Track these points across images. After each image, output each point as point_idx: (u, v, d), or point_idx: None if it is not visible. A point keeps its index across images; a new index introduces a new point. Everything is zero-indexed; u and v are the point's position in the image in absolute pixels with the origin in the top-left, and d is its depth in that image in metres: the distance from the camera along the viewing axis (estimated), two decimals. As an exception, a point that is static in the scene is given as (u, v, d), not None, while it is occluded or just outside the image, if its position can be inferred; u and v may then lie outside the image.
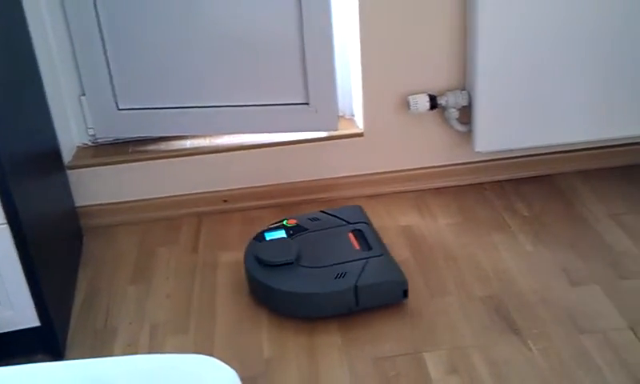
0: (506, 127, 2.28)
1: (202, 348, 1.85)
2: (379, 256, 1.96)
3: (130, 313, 2.00)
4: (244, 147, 2.38)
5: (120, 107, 2.34)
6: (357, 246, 2.01)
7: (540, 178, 2.49)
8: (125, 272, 2.18)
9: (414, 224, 2.29)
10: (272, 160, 2.40)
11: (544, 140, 2.33)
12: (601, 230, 2.18)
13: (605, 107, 2.27)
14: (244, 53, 2.25)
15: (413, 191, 2.47)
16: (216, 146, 2.39)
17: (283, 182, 2.43)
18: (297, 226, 2.10)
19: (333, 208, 2.21)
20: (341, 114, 2.50)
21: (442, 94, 2.32)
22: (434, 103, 2.31)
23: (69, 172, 2.33)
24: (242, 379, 1.13)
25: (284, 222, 2.13)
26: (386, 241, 2.10)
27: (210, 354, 1.74)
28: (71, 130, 2.38)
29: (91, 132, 2.40)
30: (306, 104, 2.31)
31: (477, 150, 2.32)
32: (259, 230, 2.11)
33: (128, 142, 2.45)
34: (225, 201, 2.43)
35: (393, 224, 2.29)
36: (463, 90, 2.33)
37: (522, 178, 2.49)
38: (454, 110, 2.33)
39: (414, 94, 2.33)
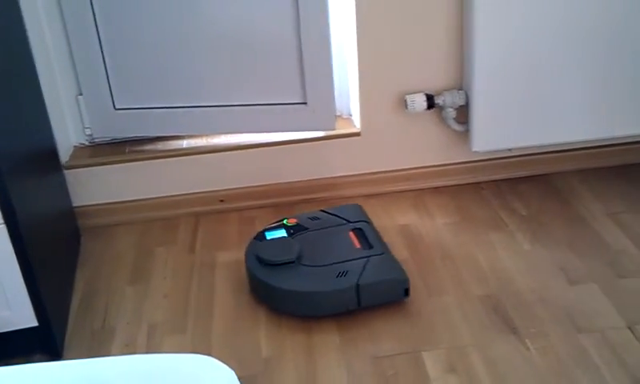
0: (503, 127, 2.28)
1: (200, 348, 1.84)
2: (380, 254, 1.96)
3: (127, 313, 2.00)
4: (241, 147, 2.38)
5: (117, 107, 2.34)
6: (357, 245, 2.01)
7: (537, 177, 2.49)
8: (122, 272, 2.18)
9: (412, 223, 2.29)
10: (269, 160, 2.40)
11: (541, 139, 2.33)
12: (599, 229, 2.18)
13: (602, 106, 2.27)
14: (241, 52, 2.25)
15: (410, 190, 2.47)
16: (213, 146, 2.38)
17: (280, 181, 2.43)
18: (297, 225, 2.10)
19: (333, 207, 2.21)
20: (338, 113, 2.50)
21: (440, 93, 2.32)
22: (431, 103, 2.31)
23: (66, 172, 2.33)
24: (240, 379, 1.13)
25: (284, 222, 2.12)
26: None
27: (208, 354, 1.74)
28: (68, 130, 2.38)
29: (88, 132, 2.40)
30: (304, 104, 2.31)
31: (474, 149, 2.32)
32: (259, 230, 2.11)
33: (125, 141, 2.44)
34: (222, 201, 2.43)
35: (391, 223, 2.29)
36: (460, 89, 2.33)
37: (519, 178, 2.49)
38: (452, 109, 2.33)
39: (411, 93, 2.33)
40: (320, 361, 1.77)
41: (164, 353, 1.64)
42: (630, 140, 2.46)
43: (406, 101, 2.31)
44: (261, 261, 1.96)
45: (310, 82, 2.27)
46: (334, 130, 2.37)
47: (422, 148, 2.43)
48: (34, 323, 1.79)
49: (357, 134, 2.40)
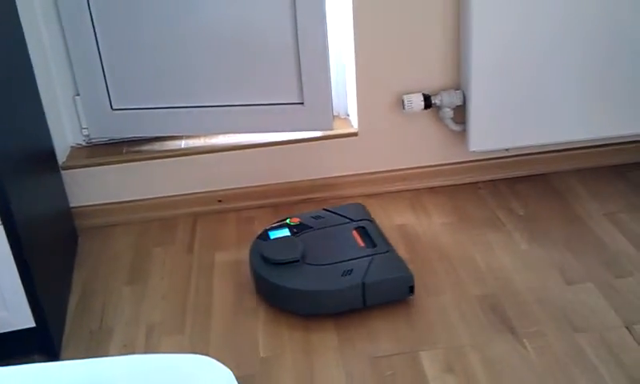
0: (500, 127, 2.28)
1: (198, 348, 1.84)
2: (385, 253, 1.97)
3: (125, 313, 2.00)
4: (239, 147, 2.38)
5: (114, 107, 2.33)
6: (361, 244, 2.01)
7: (535, 176, 2.50)
8: (120, 272, 2.18)
9: (409, 223, 2.29)
10: (267, 160, 2.40)
11: (538, 139, 2.33)
12: (596, 229, 2.18)
13: (599, 106, 2.27)
14: (239, 53, 2.25)
15: (407, 190, 2.48)
16: (211, 146, 2.38)
17: (278, 181, 2.43)
18: (300, 224, 2.11)
19: (335, 206, 2.22)
20: (335, 113, 2.50)
21: (437, 93, 2.32)
22: (428, 103, 2.31)
23: (63, 172, 2.33)
24: (237, 378, 1.13)
25: (287, 221, 2.13)
26: (381, 240, 2.10)
27: (206, 354, 1.74)
28: (65, 131, 2.38)
29: (85, 132, 2.39)
30: (301, 104, 2.31)
31: (471, 149, 2.32)
32: (257, 230, 2.11)
33: (122, 142, 2.44)
34: (220, 201, 2.43)
35: (388, 223, 2.29)
36: (457, 89, 2.33)
37: (516, 177, 2.50)
38: (449, 109, 2.33)
39: (408, 93, 2.33)
40: (318, 361, 1.77)
41: (162, 353, 1.64)
42: (626, 140, 2.47)
43: (403, 101, 2.31)
44: (265, 260, 1.96)
45: (308, 82, 2.27)
46: (331, 130, 2.37)
47: (420, 148, 2.44)
48: (32, 324, 1.79)
49: (354, 134, 2.40)
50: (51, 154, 2.22)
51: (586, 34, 2.18)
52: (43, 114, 2.16)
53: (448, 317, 1.88)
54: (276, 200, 2.44)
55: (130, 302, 2.04)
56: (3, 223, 1.67)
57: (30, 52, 2.10)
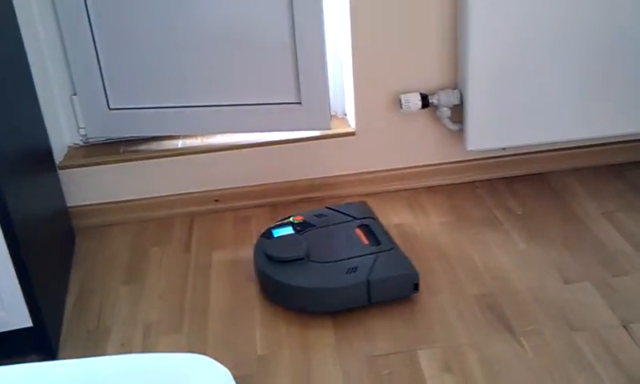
0: (497, 126, 2.28)
1: (195, 347, 1.84)
2: (389, 250, 1.98)
3: (122, 313, 2.00)
4: (236, 147, 2.38)
5: (111, 107, 2.33)
6: (365, 241, 2.02)
7: (532, 176, 2.50)
8: (117, 272, 2.17)
9: (407, 223, 2.29)
10: (264, 159, 2.40)
11: (536, 138, 2.33)
12: (594, 228, 2.19)
13: (597, 105, 2.27)
14: (236, 52, 2.25)
15: (405, 190, 2.48)
16: (208, 146, 2.38)
17: (275, 181, 2.43)
18: (304, 222, 2.11)
19: (338, 204, 2.22)
20: (333, 113, 2.50)
21: (434, 92, 2.32)
22: (425, 102, 2.31)
23: (60, 172, 2.32)
24: (235, 377, 1.13)
25: (291, 219, 2.13)
26: (378, 239, 2.10)
27: (204, 353, 1.74)
28: (62, 130, 2.38)
29: (82, 132, 2.39)
30: (298, 103, 2.31)
31: (469, 148, 2.32)
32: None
33: (119, 141, 2.44)
34: (217, 200, 2.43)
35: (386, 223, 2.28)
36: (455, 88, 2.33)
37: (514, 176, 2.50)
38: (446, 108, 2.33)
39: (405, 92, 2.33)
40: (315, 360, 1.77)
41: (160, 352, 1.64)
42: (624, 139, 2.47)
43: (400, 100, 2.31)
44: (270, 258, 1.96)
45: (305, 81, 2.27)
46: (328, 129, 2.37)
47: (417, 147, 2.44)
48: (29, 324, 1.79)
49: (352, 134, 2.40)
50: (48, 153, 2.21)
51: (583, 34, 2.18)
52: (40, 113, 2.15)
53: (446, 316, 1.88)
54: (273, 199, 2.44)
55: (127, 301, 2.04)
56: (0, 223, 1.66)
57: (27, 51, 2.10)
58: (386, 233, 2.06)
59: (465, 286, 1.98)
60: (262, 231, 2.11)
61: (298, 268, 1.93)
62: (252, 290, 2.03)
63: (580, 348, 1.73)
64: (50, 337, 1.83)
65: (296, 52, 2.23)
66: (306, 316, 1.91)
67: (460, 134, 2.37)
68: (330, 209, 2.19)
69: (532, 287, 1.95)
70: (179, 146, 2.40)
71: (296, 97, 2.31)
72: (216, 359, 1.14)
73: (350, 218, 2.13)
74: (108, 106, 2.33)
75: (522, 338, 1.77)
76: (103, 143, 2.44)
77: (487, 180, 2.49)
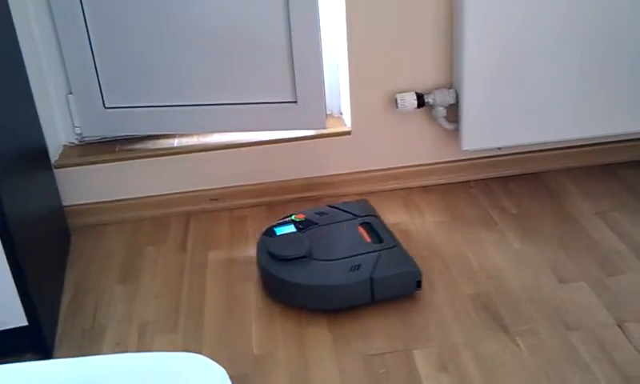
0: (493, 125, 2.29)
1: (191, 346, 1.84)
2: (392, 248, 1.98)
3: (118, 312, 2.00)
4: (232, 146, 2.38)
5: (107, 106, 2.33)
6: (368, 239, 2.02)
7: (527, 175, 2.50)
8: (113, 271, 2.17)
9: (402, 222, 2.30)
10: (260, 158, 2.40)
11: (531, 138, 2.33)
12: (588, 227, 2.19)
13: (592, 105, 2.28)
14: (232, 51, 2.25)
15: (400, 189, 2.48)
16: (204, 145, 2.38)
17: (271, 180, 2.43)
18: (306, 220, 2.12)
19: (340, 202, 2.23)
20: (328, 112, 2.50)
21: (430, 92, 2.33)
22: (421, 101, 2.31)
23: (56, 171, 2.32)
24: (231, 377, 1.13)
25: (292, 217, 2.13)
26: (374, 239, 2.11)
27: (199, 353, 1.74)
28: (58, 129, 2.37)
29: (78, 131, 2.39)
30: (294, 102, 2.31)
31: (464, 148, 2.32)
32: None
33: (115, 140, 2.44)
34: (213, 200, 2.43)
35: (381, 222, 2.29)
36: (450, 88, 2.33)
37: (509, 176, 2.50)
38: (442, 108, 2.33)
39: (401, 92, 2.33)
40: (312, 359, 1.77)
41: (155, 351, 1.64)
42: (618, 138, 2.47)
43: (396, 99, 2.31)
44: (273, 256, 1.96)
45: (301, 80, 2.27)
46: (324, 128, 2.37)
47: (412, 146, 2.44)
48: (24, 323, 1.79)
49: (347, 133, 2.40)
50: (44, 152, 2.21)
51: (578, 34, 2.18)
52: (35, 112, 2.15)
53: (441, 315, 1.88)
54: (269, 199, 2.44)
55: (122, 300, 2.04)
56: (-4, 222, 1.67)
57: (22, 50, 2.09)
58: (388, 230, 2.07)
59: (460, 285, 1.98)
60: (264, 229, 2.11)
61: (301, 266, 1.93)
62: (248, 289, 2.03)
63: (575, 347, 1.73)
64: (45, 336, 1.82)
65: (292, 51, 2.23)
66: (303, 315, 1.91)
67: (455, 133, 2.38)
68: (332, 207, 2.19)
69: (527, 287, 1.96)
70: (175, 145, 2.40)
71: (292, 96, 2.31)
72: (212, 358, 1.14)
73: (352, 216, 2.14)
74: (104, 104, 2.32)
75: (517, 338, 1.78)
76: (99, 142, 2.44)
77: (482, 179, 2.50)
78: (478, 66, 2.20)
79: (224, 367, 1.13)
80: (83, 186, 2.37)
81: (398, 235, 2.21)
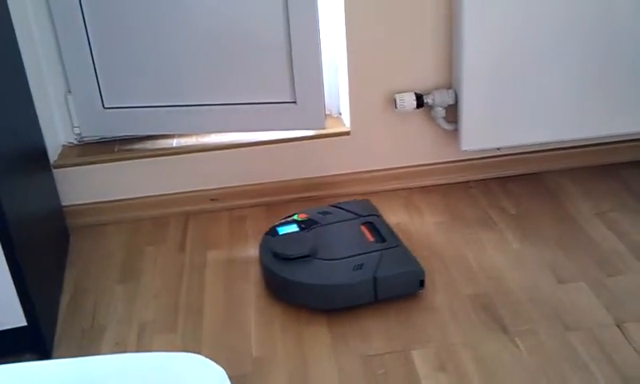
0: (492, 126, 2.29)
1: (190, 347, 1.84)
2: (394, 247, 1.98)
3: (117, 312, 1.99)
4: (231, 146, 2.38)
5: (106, 106, 2.33)
6: (370, 238, 2.02)
7: (527, 175, 2.50)
8: (112, 271, 2.17)
9: (402, 222, 2.30)
10: (259, 158, 2.39)
11: (530, 138, 2.33)
12: (588, 228, 2.19)
13: (591, 105, 2.28)
14: (231, 52, 2.25)
15: (400, 189, 2.48)
16: (203, 145, 2.38)
17: (271, 180, 2.43)
18: (308, 219, 2.12)
19: (342, 202, 2.23)
20: (328, 112, 2.50)
21: (429, 92, 2.33)
22: (420, 102, 2.31)
23: (55, 171, 2.32)
24: (230, 377, 1.13)
25: (295, 217, 2.13)
26: (373, 239, 2.11)
27: (198, 353, 1.73)
28: (57, 129, 2.37)
29: (77, 131, 2.39)
30: (293, 103, 2.31)
31: (463, 148, 2.32)
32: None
33: (114, 140, 2.44)
34: (213, 200, 2.43)
35: (380, 222, 2.29)
36: (450, 88, 2.33)
37: (508, 176, 2.50)
38: (441, 108, 2.33)
39: (400, 92, 2.33)
40: (311, 359, 1.77)
41: (154, 352, 1.64)
42: (618, 139, 2.47)
43: (395, 100, 2.31)
44: (276, 256, 1.96)
45: (300, 80, 2.27)
46: (323, 128, 2.37)
47: (412, 147, 2.44)
48: (23, 323, 1.78)
49: (346, 133, 2.40)
50: (43, 152, 2.21)
51: (578, 34, 2.18)
52: (35, 112, 2.15)
53: (440, 316, 1.88)
54: (268, 199, 2.44)
55: (121, 300, 2.04)
56: (-5, 222, 1.67)
57: (21, 50, 2.09)
58: (390, 230, 2.07)
59: (459, 285, 1.98)
60: (267, 229, 2.11)
61: (305, 265, 1.93)
62: (247, 290, 2.03)
63: (574, 347, 1.73)
64: (44, 336, 1.82)
65: (291, 51, 2.23)
66: (302, 315, 1.91)
67: (454, 133, 2.38)
68: (334, 206, 2.20)
69: (526, 287, 1.96)
70: (174, 145, 2.39)
71: (291, 96, 2.31)
72: (211, 359, 1.14)
73: (355, 216, 2.14)
74: (103, 104, 2.32)
75: (516, 338, 1.78)
76: (98, 142, 2.44)
77: (481, 180, 2.50)
78: (477, 67, 2.20)
79: (223, 367, 1.13)
80: (82, 186, 2.37)
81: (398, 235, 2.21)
